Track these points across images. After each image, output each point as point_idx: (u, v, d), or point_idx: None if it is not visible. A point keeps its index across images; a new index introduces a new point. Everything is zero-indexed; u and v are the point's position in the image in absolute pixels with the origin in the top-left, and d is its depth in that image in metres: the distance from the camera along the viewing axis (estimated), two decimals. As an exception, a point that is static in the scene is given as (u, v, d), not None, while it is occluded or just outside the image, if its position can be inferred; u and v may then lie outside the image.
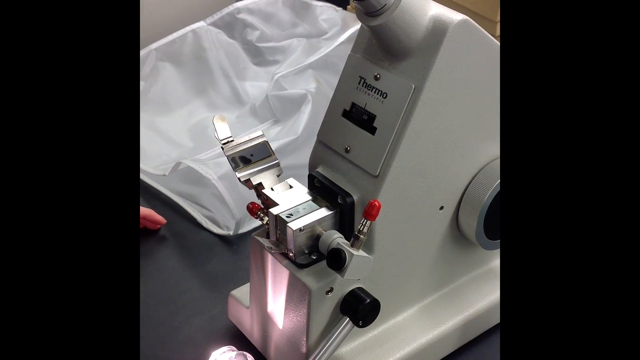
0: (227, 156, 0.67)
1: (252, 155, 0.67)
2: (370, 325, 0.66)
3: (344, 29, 1.25)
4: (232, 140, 0.67)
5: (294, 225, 0.62)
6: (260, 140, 0.68)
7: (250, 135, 0.68)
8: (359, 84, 0.64)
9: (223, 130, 0.67)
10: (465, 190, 0.69)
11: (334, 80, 1.13)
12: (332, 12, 1.31)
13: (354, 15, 1.30)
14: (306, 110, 1.03)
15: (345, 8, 1.36)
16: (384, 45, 0.61)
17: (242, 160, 0.67)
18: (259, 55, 1.24)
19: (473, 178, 0.69)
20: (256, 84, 1.19)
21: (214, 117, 0.67)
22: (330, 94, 1.07)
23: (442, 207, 0.68)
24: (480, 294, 0.75)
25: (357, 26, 1.20)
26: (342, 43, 1.17)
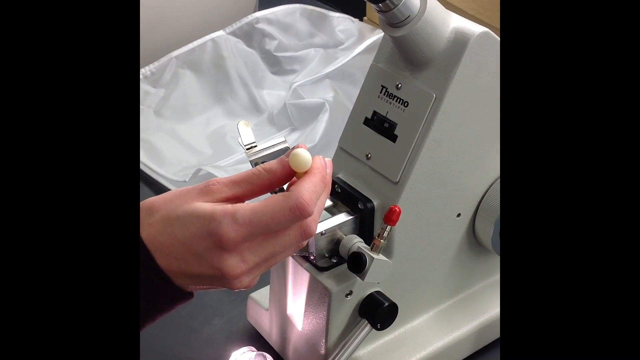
0: (251, 161, 0.68)
1: (274, 160, 0.69)
2: (388, 328, 0.67)
3: (360, 40, 1.26)
4: (256, 146, 0.69)
5: (316, 229, 0.63)
6: (282, 146, 0.69)
7: (273, 141, 0.70)
8: (380, 92, 0.65)
9: (247, 135, 0.68)
10: (482, 198, 0.70)
11: (351, 90, 1.15)
12: (349, 23, 1.32)
13: (370, 27, 1.32)
14: (323, 119, 1.04)
15: (361, 19, 1.37)
16: (406, 56, 0.63)
17: (264, 165, 0.68)
18: (276, 65, 1.26)
19: (490, 186, 0.70)
20: (274, 93, 1.21)
21: (238, 122, 0.69)
22: (347, 103, 1.10)
23: (459, 214, 0.70)
24: (496, 301, 0.76)
25: (373, 37, 1.22)
26: (359, 54, 1.18)
